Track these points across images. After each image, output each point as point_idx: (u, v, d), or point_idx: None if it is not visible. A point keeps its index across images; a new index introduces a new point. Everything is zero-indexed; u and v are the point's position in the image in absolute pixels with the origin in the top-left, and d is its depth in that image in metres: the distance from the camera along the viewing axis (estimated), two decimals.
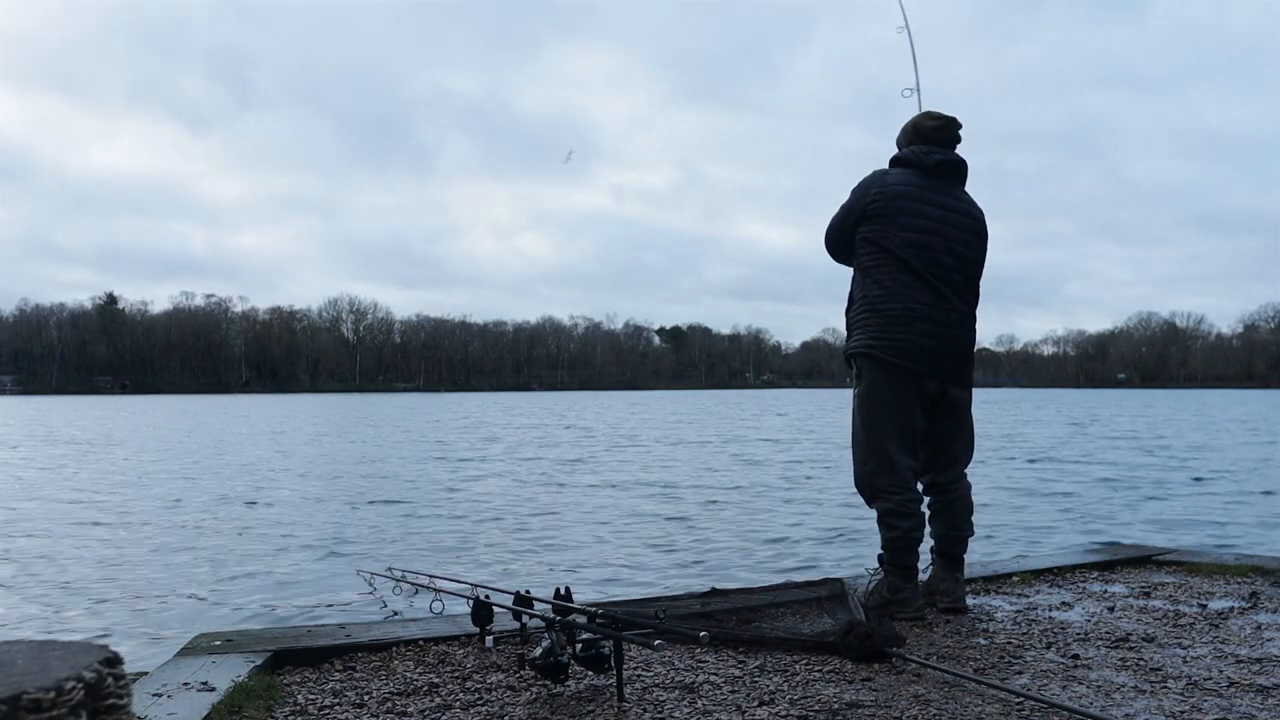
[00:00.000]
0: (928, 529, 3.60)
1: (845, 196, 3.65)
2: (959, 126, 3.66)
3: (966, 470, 3.70)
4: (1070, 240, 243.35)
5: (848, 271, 3.76)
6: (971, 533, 3.66)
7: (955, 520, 3.62)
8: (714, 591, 3.63)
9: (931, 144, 3.63)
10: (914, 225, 3.52)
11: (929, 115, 3.67)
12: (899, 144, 3.72)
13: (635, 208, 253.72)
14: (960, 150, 3.68)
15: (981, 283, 3.70)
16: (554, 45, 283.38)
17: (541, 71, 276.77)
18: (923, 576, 3.70)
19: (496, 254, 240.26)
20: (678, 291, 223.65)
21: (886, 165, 3.70)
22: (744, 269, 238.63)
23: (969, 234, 3.60)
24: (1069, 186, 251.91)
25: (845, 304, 3.73)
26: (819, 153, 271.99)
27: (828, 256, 3.81)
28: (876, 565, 3.64)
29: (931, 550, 3.67)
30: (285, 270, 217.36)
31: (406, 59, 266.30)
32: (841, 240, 3.68)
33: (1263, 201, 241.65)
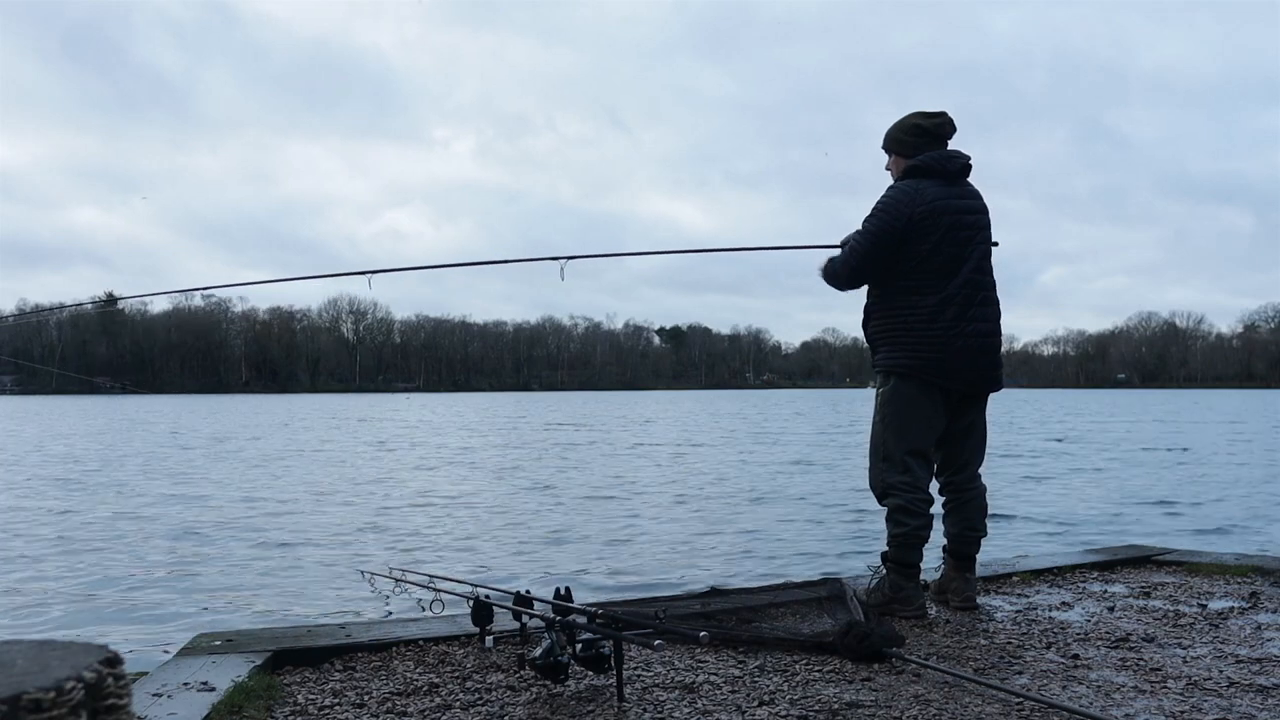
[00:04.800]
0: (937, 530, 3.60)
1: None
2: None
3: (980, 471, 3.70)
4: (1029, 219, 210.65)
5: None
6: (984, 533, 3.66)
7: (969, 520, 3.62)
8: (714, 591, 3.63)
9: (935, 139, 3.60)
10: (958, 238, 3.49)
11: (924, 115, 3.64)
12: (899, 149, 3.65)
13: (496, 175, 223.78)
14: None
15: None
16: None
17: None
18: (933, 576, 3.70)
19: (374, 236, 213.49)
20: (604, 281, 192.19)
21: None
22: (673, 255, 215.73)
23: (988, 230, 3.60)
24: (1001, 145, 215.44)
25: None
26: (681, 99, 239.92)
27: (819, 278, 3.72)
28: (879, 563, 3.64)
29: (944, 549, 3.68)
30: (160, 259, 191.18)
31: None
32: (874, 268, 3.57)
33: (1240, 165, 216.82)
